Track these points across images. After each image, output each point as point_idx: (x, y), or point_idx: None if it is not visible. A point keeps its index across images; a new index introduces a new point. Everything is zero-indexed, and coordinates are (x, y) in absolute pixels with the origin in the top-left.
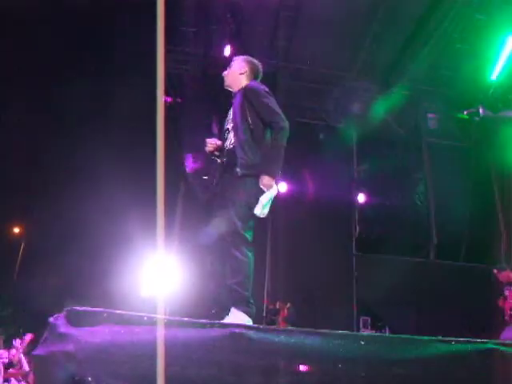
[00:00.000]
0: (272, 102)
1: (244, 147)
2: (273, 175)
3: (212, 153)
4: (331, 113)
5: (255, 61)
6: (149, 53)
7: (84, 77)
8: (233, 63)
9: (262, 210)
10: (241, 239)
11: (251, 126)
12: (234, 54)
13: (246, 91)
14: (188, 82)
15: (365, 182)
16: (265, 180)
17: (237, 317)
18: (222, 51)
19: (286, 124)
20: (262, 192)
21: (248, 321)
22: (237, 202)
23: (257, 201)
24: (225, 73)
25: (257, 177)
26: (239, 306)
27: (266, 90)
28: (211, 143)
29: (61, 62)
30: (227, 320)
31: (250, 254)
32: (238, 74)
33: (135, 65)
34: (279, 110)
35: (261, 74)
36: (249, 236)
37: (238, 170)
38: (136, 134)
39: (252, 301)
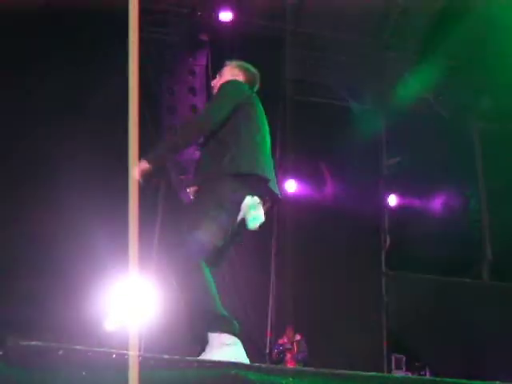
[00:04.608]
0: (219, 100)
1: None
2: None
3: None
4: (354, 90)
5: (252, 68)
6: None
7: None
8: (223, 70)
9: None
10: (196, 251)
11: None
12: (231, 16)
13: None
14: (169, 50)
15: (397, 180)
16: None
17: (218, 340)
18: (214, 10)
19: (202, 127)
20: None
21: (234, 341)
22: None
23: (228, 205)
24: (214, 82)
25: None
26: (214, 326)
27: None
28: None
29: None
30: (208, 349)
31: (203, 264)
32: None
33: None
34: (218, 112)
35: (258, 84)
36: (211, 253)
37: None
38: (105, 127)
39: (228, 314)
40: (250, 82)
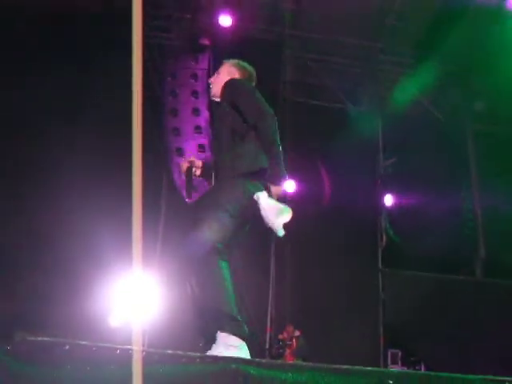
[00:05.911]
0: (254, 97)
1: (224, 150)
2: (278, 182)
3: (201, 175)
4: (351, 93)
5: (248, 65)
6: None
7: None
8: (220, 69)
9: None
10: (213, 250)
11: (232, 130)
12: (231, 21)
13: (224, 88)
14: (172, 55)
15: (393, 180)
16: (275, 189)
17: (226, 341)
18: (214, 15)
19: (274, 122)
20: (244, 198)
21: (241, 345)
22: (213, 206)
23: (236, 207)
24: (211, 79)
25: (244, 178)
26: (226, 327)
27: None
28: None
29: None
30: (215, 348)
31: (223, 264)
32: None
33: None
34: (266, 106)
35: (254, 81)
36: (224, 251)
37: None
38: (109, 125)
39: (240, 318)
40: (248, 78)
